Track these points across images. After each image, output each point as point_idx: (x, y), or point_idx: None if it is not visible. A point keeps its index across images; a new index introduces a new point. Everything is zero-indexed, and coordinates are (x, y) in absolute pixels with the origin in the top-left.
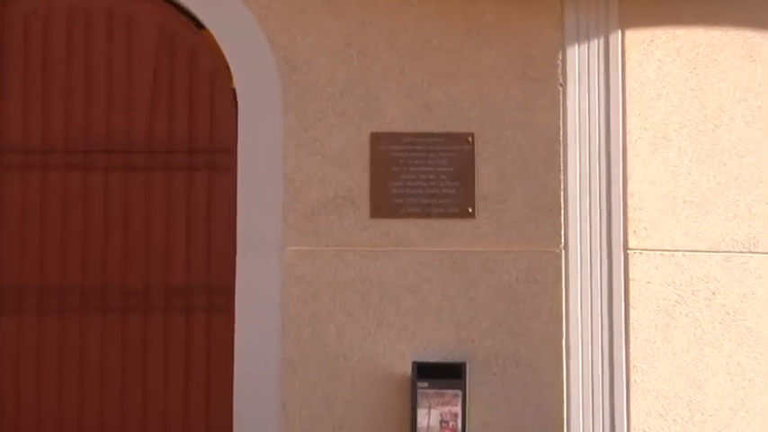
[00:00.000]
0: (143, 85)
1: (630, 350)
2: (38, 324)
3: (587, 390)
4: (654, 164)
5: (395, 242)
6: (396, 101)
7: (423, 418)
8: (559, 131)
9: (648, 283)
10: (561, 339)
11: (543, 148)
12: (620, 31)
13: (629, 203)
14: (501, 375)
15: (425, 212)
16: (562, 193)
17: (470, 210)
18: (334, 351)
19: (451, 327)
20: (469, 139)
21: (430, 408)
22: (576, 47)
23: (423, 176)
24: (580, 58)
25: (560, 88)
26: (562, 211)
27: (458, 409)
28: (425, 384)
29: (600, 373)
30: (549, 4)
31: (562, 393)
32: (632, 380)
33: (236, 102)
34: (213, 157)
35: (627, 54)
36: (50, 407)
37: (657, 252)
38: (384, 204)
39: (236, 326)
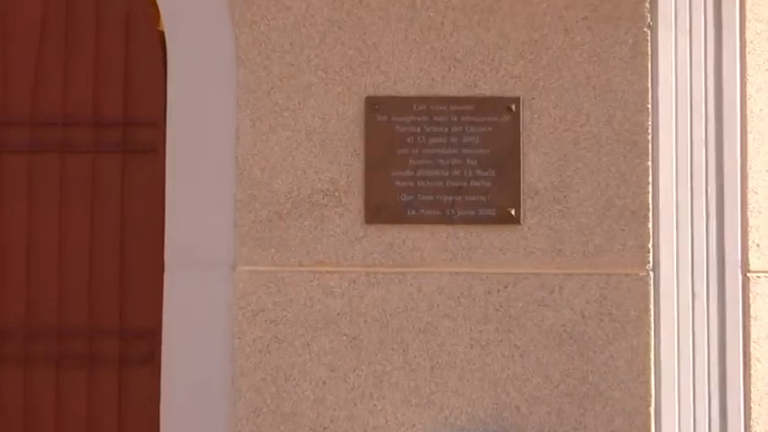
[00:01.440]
0: (26, 28)
1: (752, 421)
2: None
3: None
4: None
5: (401, 260)
6: (403, 49)
7: None
8: (647, 96)
9: None
10: (649, 406)
11: (623, 121)
12: None
13: (749, 205)
14: None
15: (446, 216)
16: (651, 189)
17: (513, 212)
18: (309, 422)
19: (486, 387)
20: (513, 106)
21: None
22: None
23: (443, 162)
24: None
25: (648, 31)
26: (651, 215)
27: None
28: None
29: None
30: None
31: None
32: None
33: (164, 51)
34: (130, 132)
35: None
36: None
37: None
38: (385, 204)
39: (163, 384)
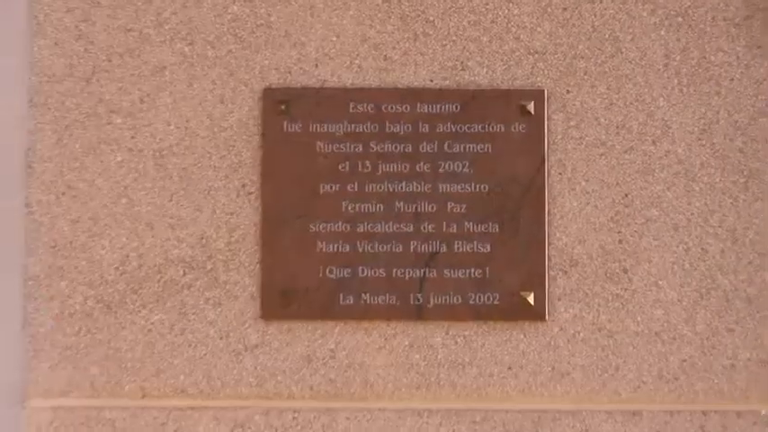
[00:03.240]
0: None
1: None
2: None
3: None
4: None
5: (329, 388)
6: (333, 3)
7: None
8: None
9: None
10: None
11: (731, 133)
12: None
13: None
14: None
15: (411, 307)
16: None
17: (532, 299)
18: None
19: None
20: (531, 106)
21: None
22: None
23: (404, 208)
24: None
25: None
26: None
27: None
28: None
29: None
30: None
31: None
32: None
33: None
34: None
35: None
36: None
37: None
38: (299, 284)
39: None
